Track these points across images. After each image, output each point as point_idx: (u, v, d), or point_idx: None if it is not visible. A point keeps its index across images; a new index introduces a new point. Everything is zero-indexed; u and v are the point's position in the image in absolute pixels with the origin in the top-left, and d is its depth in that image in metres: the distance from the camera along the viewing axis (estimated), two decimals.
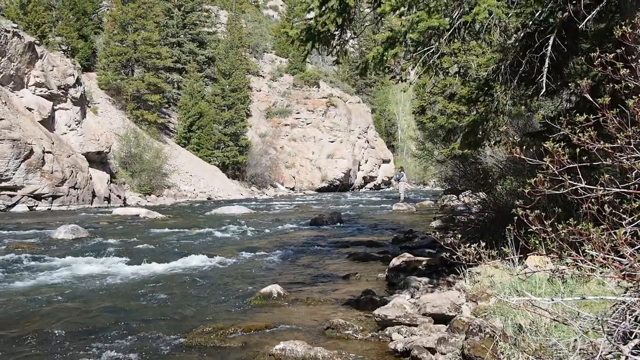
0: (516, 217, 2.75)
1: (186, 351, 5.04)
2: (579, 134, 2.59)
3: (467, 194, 19.96)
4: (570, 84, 6.95)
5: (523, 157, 2.70)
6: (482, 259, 3.22)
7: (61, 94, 29.64)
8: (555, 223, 2.59)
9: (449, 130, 19.99)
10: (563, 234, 2.52)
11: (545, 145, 2.55)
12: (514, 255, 4.77)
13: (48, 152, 25.91)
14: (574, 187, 2.58)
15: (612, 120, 2.55)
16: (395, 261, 8.17)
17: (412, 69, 6.01)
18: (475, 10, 4.54)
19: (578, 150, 2.58)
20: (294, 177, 52.02)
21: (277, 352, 4.62)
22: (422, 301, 5.54)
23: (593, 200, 2.62)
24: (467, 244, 3.02)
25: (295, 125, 54.87)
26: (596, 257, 2.71)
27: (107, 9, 46.06)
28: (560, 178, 2.58)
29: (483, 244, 2.99)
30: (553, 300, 2.73)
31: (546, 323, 3.73)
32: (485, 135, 8.95)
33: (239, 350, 5.05)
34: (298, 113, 55.38)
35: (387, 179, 61.89)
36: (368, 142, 60.88)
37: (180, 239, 13.38)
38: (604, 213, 2.59)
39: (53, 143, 27.00)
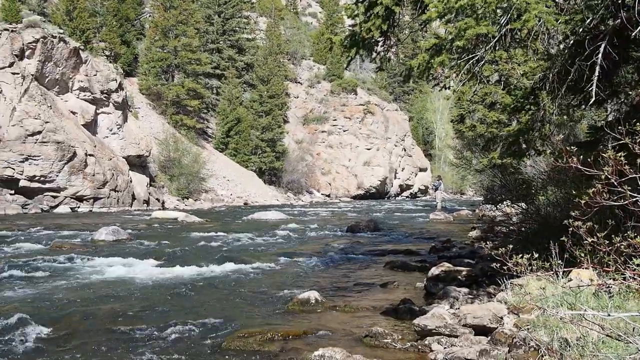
0: (570, 229, 2.67)
1: (225, 354, 5.05)
2: None
3: (506, 204, 19.63)
4: (620, 94, 6.77)
5: (580, 167, 2.63)
6: (525, 271, 3.14)
7: (104, 98, 30.27)
8: (612, 235, 2.51)
9: (488, 139, 19.70)
10: (622, 247, 2.44)
11: (604, 154, 2.47)
12: (559, 267, 4.66)
13: (90, 155, 26.48)
14: (634, 199, 2.50)
15: None
16: (434, 270, 8.06)
17: (456, 76, 5.94)
18: (524, 17, 4.45)
19: (639, 160, 2.49)
20: (329, 184, 52.02)
21: (316, 359, 4.59)
22: (462, 312, 5.44)
23: None
24: (519, 255, 2.95)
25: (332, 132, 54.90)
26: None
27: (149, 16, 46.88)
28: (620, 189, 2.50)
29: (536, 255, 2.92)
30: (609, 315, 2.64)
31: (593, 338, 3.62)
32: (530, 145, 8.78)
33: (277, 355, 5.04)
34: (335, 120, 55.39)
35: (424, 188, 61.43)
36: (405, 150, 60.51)
37: (217, 243, 13.48)
38: None
39: (95, 146, 27.57)
